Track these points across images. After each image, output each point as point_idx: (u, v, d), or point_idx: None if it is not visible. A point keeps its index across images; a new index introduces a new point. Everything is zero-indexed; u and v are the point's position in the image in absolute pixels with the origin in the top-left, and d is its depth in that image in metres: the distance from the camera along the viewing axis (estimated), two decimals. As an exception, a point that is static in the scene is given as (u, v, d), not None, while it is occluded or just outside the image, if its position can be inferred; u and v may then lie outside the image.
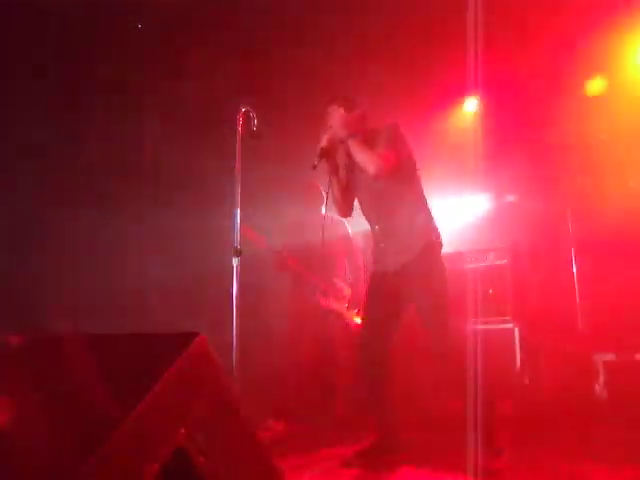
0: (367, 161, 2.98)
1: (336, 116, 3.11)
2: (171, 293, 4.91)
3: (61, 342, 1.90)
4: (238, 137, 3.09)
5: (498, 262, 4.57)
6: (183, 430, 1.42)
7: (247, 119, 3.13)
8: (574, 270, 4.94)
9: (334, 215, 4.51)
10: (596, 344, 4.55)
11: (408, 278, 2.99)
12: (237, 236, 3.02)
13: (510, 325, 4.40)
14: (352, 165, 3.17)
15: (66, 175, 4.49)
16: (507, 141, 5.21)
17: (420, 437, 3.47)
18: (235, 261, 2.96)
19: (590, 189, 4.96)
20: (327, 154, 3.04)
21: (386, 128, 3.10)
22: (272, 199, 4.85)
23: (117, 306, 4.68)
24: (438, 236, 3.10)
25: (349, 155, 3.12)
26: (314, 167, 2.97)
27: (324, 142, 3.01)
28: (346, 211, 3.31)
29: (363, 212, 3.28)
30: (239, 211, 3.02)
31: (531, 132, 5.17)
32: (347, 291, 4.41)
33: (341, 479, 2.81)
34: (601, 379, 4.21)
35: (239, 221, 3.03)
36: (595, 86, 5.17)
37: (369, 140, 3.07)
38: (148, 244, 4.89)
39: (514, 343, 4.39)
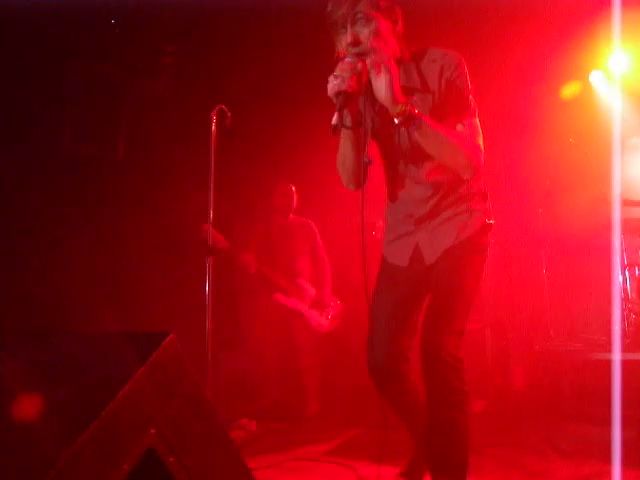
0: (459, 159, 2.01)
1: (371, 26, 1.94)
2: (143, 292, 4.87)
3: (31, 340, 1.87)
4: (212, 135, 3.08)
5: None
6: (153, 430, 1.42)
7: (221, 117, 3.12)
8: (544, 270, 5.03)
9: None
10: (565, 343, 4.64)
11: (443, 270, 2.12)
12: (210, 235, 3.01)
13: (481, 325, 4.46)
14: (380, 117, 2.09)
15: (41, 174, 4.43)
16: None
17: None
18: (209, 260, 2.96)
19: (560, 190, 5.06)
20: (353, 100, 1.92)
21: (452, 66, 2.01)
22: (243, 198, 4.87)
23: (88, 304, 4.62)
24: (491, 217, 2.21)
25: (373, 100, 2.01)
26: (335, 130, 1.88)
27: (348, 80, 1.85)
28: (359, 179, 2.13)
29: (389, 185, 2.25)
30: (212, 210, 3.02)
31: (502, 133, 5.24)
32: (311, 291, 4.44)
33: (312, 478, 2.82)
34: (569, 377, 4.30)
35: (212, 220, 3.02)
36: (570, 89, 5.29)
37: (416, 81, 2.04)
38: (121, 242, 4.84)
39: (485, 343, 4.46)
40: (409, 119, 1.89)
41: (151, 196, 4.91)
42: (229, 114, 3.11)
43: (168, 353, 1.48)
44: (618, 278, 4.55)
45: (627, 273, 4.64)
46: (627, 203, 4.53)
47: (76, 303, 4.41)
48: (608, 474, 2.52)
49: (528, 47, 4.86)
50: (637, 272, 4.60)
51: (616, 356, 3.67)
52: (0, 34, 4.03)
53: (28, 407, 1.42)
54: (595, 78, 5.27)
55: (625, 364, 3.72)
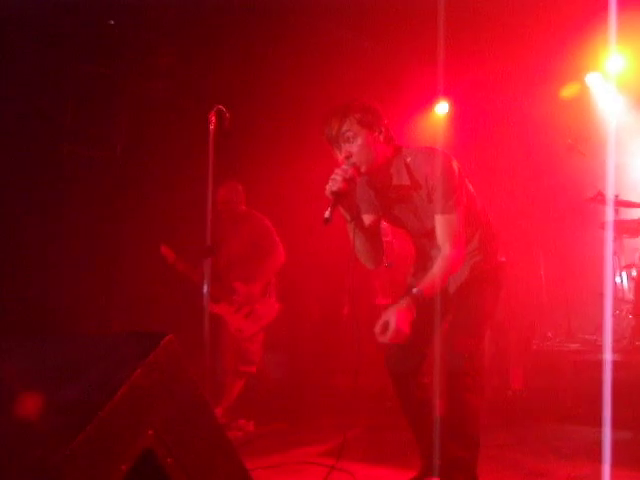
0: (440, 276, 2.33)
1: (358, 141, 2.27)
2: (142, 293, 4.87)
3: (31, 340, 1.87)
4: (210, 135, 3.08)
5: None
6: (151, 431, 1.42)
7: (219, 117, 3.12)
8: (542, 272, 5.04)
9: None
10: (562, 344, 4.65)
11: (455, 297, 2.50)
12: (209, 235, 3.01)
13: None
14: (380, 196, 2.44)
15: (41, 174, 4.43)
16: (476, 143, 5.29)
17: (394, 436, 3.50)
18: (207, 261, 2.96)
19: (559, 190, 5.07)
20: (345, 198, 2.23)
21: (436, 173, 2.31)
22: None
23: (87, 305, 4.62)
24: (502, 255, 2.58)
25: (374, 187, 2.43)
26: (327, 222, 2.17)
27: (339, 183, 2.19)
28: (377, 260, 2.51)
29: (408, 234, 2.61)
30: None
31: (501, 134, 5.25)
32: (242, 295, 4.16)
33: (310, 478, 2.82)
34: (566, 378, 4.30)
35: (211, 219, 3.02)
36: (570, 90, 5.32)
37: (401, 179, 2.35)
38: (119, 243, 4.84)
39: (483, 343, 4.45)
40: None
41: (150, 196, 4.91)
42: (227, 114, 3.10)
43: (166, 354, 1.49)
44: (612, 279, 4.56)
45: (624, 274, 4.65)
46: (623, 204, 4.54)
47: (75, 303, 4.41)
48: (605, 474, 2.53)
49: (527, 49, 4.88)
50: (634, 273, 4.60)
51: (608, 357, 3.69)
52: (0, 35, 4.03)
53: (27, 407, 1.43)
54: (592, 80, 5.30)
55: (622, 365, 3.74)
